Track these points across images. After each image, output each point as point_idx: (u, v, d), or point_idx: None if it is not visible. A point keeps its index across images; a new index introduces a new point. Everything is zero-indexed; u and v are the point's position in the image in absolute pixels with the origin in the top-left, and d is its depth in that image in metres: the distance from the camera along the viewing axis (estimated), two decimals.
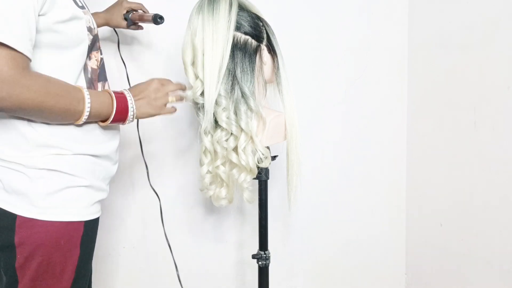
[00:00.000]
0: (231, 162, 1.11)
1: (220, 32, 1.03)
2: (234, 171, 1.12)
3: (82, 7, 0.89)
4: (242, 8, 1.09)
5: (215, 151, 1.11)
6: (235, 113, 1.07)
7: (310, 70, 1.64)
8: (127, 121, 0.92)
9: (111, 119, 0.89)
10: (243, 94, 1.06)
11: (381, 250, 1.77)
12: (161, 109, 0.98)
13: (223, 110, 1.07)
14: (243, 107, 1.07)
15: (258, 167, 1.11)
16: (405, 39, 1.72)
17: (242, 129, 1.08)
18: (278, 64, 1.12)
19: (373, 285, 1.78)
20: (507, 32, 1.29)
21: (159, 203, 1.27)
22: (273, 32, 1.12)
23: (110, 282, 1.53)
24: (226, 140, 1.09)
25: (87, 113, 0.84)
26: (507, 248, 1.33)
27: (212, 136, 1.11)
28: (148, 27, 1.32)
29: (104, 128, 0.92)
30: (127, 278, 1.53)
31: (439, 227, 1.59)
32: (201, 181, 1.17)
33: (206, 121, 1.08)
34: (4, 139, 0.83)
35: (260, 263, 1.22)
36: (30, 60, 0.77)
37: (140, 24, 1.28)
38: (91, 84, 0.91)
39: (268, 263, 1.22)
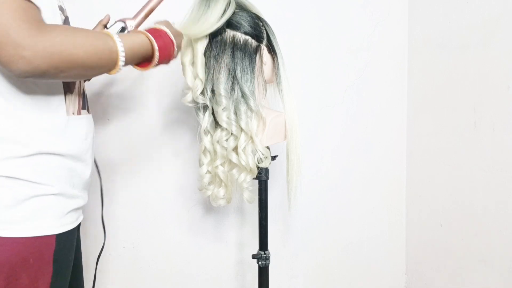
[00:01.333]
0: (230, 162, 1.11)
1: (210, 20, 1.02)
2: (234, 171, 1.12)
3: None
4: (242, 8, 1.09)
5: (214, 151, 1.12)
6: (235, 113, 1.08)
7: (310, 70, 1.64)
8: (173, 57, 0.87)
9: (156, 57, 0.81)
10: (243, 94, 1.06)
11: (381, 250, 1.77)
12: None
13: (223, 110, 1.07)
14: (243, 107, 1.07)
15: (258, 167, 1.11)
16: (405, 39, 1.72)
17: (242, 129, 1.08)
18: (278, 64, 1.12)
19: (373, 285, 1.78)
20: (507, 32, 1.29)
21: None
22: (273, 32, 1.13)
23: (110, 282, 1.53)
24: (226, 140, 1.10)
25: (122, 53, 0.74)
26: (507, 248, 1.33)
27: (212, 136, 1.11)
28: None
29: (76, 121, 0.82)
30: (127, 278, 1.53)
31: (439, 227, 1.59)
32: (200, 181, 1.17)
33: (206, 121, 1.10)
34: None
35: (260, 263, 1.22)
36: (40, 10, 0.68)
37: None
38: None
39: (268, 263, 1.22)
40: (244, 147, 1.09)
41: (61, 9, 0.81)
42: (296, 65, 1.59)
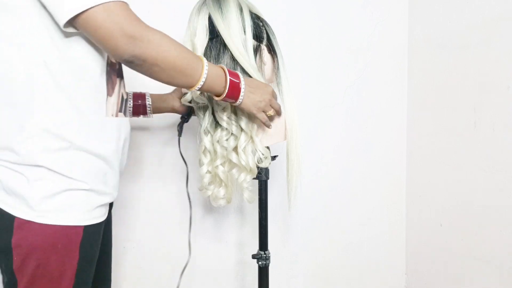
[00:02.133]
0: (230, 162, 1.11)
1: (236, 36, 1.05)
2: (234, 171, 1.12)
3: None
4: (242, 8, 1.09)
5: (214, 151, 1.12)
6: (235, 113, 1.08)
7: (310, 70, 1.64)
8: (238, 101, 0.97)
9: (225, 94, 0.93)
10: None
11: (381, 250, 1.77)
12: (259, 112, 1.02)
13: (223, 110, 1.07)
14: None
15: (258, 167, 1.11)
16: (405, 39, 1.72)
17: (242, 129, 1.08)
18: (278, 64, 1.12)
19: (373, 285, 1.78)
20: (507, 32, 1.29)
21: (189, 211, 1.29)
22: (273, 32, 1.13)
23: (111, 282, 1.53)
24: (226, 140, 1.10)
25: (204, 78, 0.87)
26: (507, 248, 1.33)
27: (212, 136, 1.11)
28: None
29: (113, 122, 0.90)
30: (128, 277, 1.53)
31: (439, 227, 1.59)
32: (200, 180, 1.17)
33: (206, 121, 1.10)
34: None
35: (260, 263, 1.22)
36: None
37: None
38: (109, 77, 0.90)
39: (268, 263, 1.22)
40: (244, 147, 1.09)
41: None
42: (296, 65, 1.59)
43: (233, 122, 1.08)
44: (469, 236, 1.47)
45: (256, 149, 1.10)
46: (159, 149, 1.52)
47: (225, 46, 1.05)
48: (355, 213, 1.73)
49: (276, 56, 1.12)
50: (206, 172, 1.15)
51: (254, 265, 1.26)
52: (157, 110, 1.24)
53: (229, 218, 1.60)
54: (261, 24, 1.10)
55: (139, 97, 1.21)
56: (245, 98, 0.97)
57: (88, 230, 0.86)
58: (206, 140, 1.11)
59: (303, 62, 1.62)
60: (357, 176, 1.72)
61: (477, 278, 1.44)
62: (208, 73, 0.88)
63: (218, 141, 1.10)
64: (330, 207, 1.71)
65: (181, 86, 0.91)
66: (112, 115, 0.90)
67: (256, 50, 1.09)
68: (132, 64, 0.80)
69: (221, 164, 1.12)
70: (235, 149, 1.09)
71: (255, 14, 1.10)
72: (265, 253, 1.22)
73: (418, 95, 1.68)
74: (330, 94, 1.67)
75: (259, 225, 1.22)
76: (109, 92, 0.89)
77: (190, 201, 1.29)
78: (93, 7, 0.73)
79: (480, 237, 1.42)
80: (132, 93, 1.20)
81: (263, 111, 1.03)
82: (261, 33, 1.09)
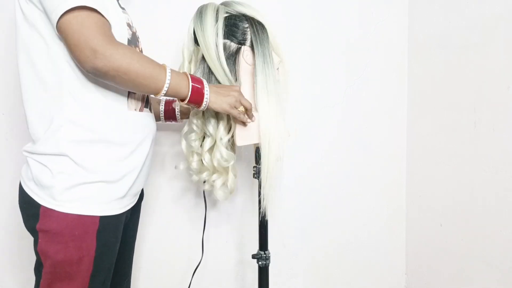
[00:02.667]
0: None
1: (209, 40, 1.08)
2: (206, 173, 1.19)
3: (123, 8, 1.00)
4: (227, 11, 1.12)
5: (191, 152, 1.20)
6: (206, 117, 1.13)
7: (310, 70, 1.64)
8: (203, 105, 1.01)
9: (187, 99, 0.98)
10: None
11: (381, 250, 1.77)
12: (232, 108, 1.06)
13: (195, 113, 1.14)
14: (211, 112, 1.11)
15: (227, 168, 1.16)
16: (405, 39, 1.72)
17: (210, 133, 1.13)
18: (256, 65, 1.09)
19: (373, 285, 1.78)
20: (507, 32, 1.29)
21: (204, 209, 1.33)
22: (262, 31, 1.11)
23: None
24: (194, 141, 1.17)
25: (167, 85, 0.93)
26: (507, 248, 1.33)
27: (185, 138, 1.20)
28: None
29: (136, 116, 0.99)
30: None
31: (439, 227, 1.59)
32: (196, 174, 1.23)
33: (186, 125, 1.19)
34: (31, 119, 0.92)
35: (260, 263, 1.22)
36: (111, 26, 0.88)
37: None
38: None
39: (268, 263, 1.22)
40: (208, 149, 1.15)
41: (129, 25, 0.98)
42: (296, 65, 1.59)
43: (200, 125, 1.14)
44: (469, 236, 1.47)
45: (219, 152, 1.13)
46: (156, 149, 1.52)
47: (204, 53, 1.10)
48: (355, 213, 1.73)
49: (255, 57, 1.10)
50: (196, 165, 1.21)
51: (254, 265, 1.26)
52: (185, 116, 1.31)
53: (229, 218, 1.60)
54: (245, 26, 1.10)
55: (169, 103, 1.31)
56: (211, 100, 1.02)
57: (105, 220, 0.93)
58: (183, 143, 1.20)
59: (303, 62, 1.62)
60: (357, 176, 1.72)
61: (477, 278, 1.44)
62: (171, 81, 0.94)
63: (188, 143, 1.18)
64: (330, 207, 1.71)
65: (147, 93, 0.97)
66: (136, 110, 0.99)
67: (236, 52, 1.10)
68: (94, 75, 0.86)
69: (197, 161, 1.20)
70: (203, 150, 1.16)
71: (241, 15, 1.10)
72: (265, 253, 1.22)
73: (418, 95, 1.68)
74: (330, 94, 1.67)
75: (259, 225, 1.22)
76: (130, 92, 0.97)
77: (205, 201, 1.34)
78: (66, 12, 0.81)
79: (480, 237, 1.42)
80: (165, 99, 1.30)
81: (235, 107, 1.07)
82: (243, 35, 1.10)
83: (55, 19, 0.83)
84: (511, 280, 1.32)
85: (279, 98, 1.10)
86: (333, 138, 1.68)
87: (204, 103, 1.01)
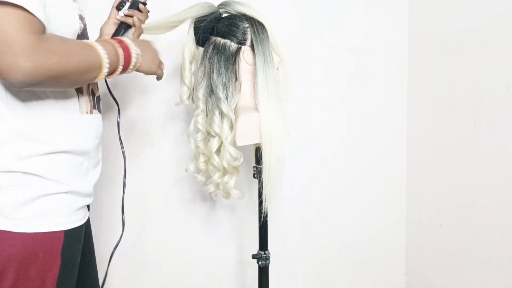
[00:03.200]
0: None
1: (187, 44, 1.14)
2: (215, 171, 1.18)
3: None
4: (226, 10, 1.13)
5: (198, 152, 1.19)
6: (209, 117, 1.12)
7: (310, 70, 1.64)
8: (128, 70, 0.88)
9: (119, 69, 0.84)
10: (217, 99, 1.10)
11: (381, 250, 1.77)
12: (158, 68, 0.98)
13: (198, 114, 1.14)
14: (216, 111, 1.11)
15: (236, 168, 1.15)
16: (405, 39, 1.72)
17: (215, 133, 1.12)
18: (256, 65, 1.09)
19: (373, 285, 1.78)
20: (507, 32, 1.29)
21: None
22: (262, 30, 1.11)
23: (110, 282, 1.53)
24: (201, 141, 1.16)
25: (107, 64, 0.79)
26: (507, 248, 1.33)
27: (193, 138, 1.18)
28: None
29: (88, 120, 0.87)
30: (127, 278, 1.53)
31: (439, 227, 1.59)
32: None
33: (191, 123, 1.17)
34: None
35: (260, 263, 1.22)
36: (44, 26, 0.71)
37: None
38: None
39: (268, 263, 1.22)
40: (216, 149, 1.13)
41: (81, 17, 0.86)
42: (296, 65, 1.59)
43: (206, 125, 1.13)
44: (469, 236, 1.47)
45: (226, 151, 1.12)
46: (157, 150, 1.52)
47: (207, 50, 1.13)
48: (355, 213, 1.73)
49: (255, 57, 1.10)
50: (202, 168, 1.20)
51: (254, 265, 1.26)
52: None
53: (229, 218, 1.60)
54: (245, 25, 1.11)
55: None
56: (139, 60, 0.89)
57: (70, 234, 0.82)
58: (192, 142, 1.19)
59: (303, 62, 1.62)
60: (357, 176, 1.72)
61: (477, 278, 1.44)
62: (109, 60, 0.80)
63: (196, 143, 1.17)
64: (330, 207, 1.71)
65: (86, 82, 0.84)
66: (87, 113, 0.87)
67: (236, 52, 1.11)
68: (24, 87, 0.69)
69: (204, 161, 1.18)
70: (211, 151, 1.14)
71: (241, 14, 1.11)
72: (265, 253, 1.22)
73: (418, 95, 1.68)
74: (330, 94, 1.67)
75: (259, 225, 1.22)
76: (78, 91, 0.86)
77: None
78: None
79: (480, 237, 1.42)
80: None
81: (160, 67, 0.99)
82: (244, 35, 1.11)
83: None
84: (511, 280, 1.32)
85: (279, 98, 1.10)
86: (333, 138, 1.68)
87: (132, 62, 0.87)
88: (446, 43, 1.52)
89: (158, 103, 1.49)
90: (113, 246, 1.06)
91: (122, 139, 1.06)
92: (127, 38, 0.90)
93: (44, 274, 0.79)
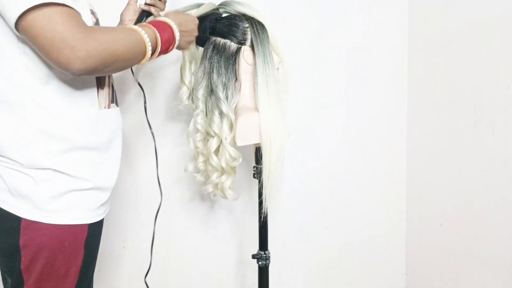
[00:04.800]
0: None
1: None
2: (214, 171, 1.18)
3: None
4: (226, 10, 1.13)
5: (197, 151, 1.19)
6: (209, 117, 1.12)
7: (310, 70, 1.64)
8: (168, 51, 0.94)
9: (158, 50, 0.88)
10: (217, 99, 1.10)
11: (381, 250, 1.77)
12: (190, 46, 1.04)
13: (197, 114, 1.13)
14: (216, 111, 1.11)
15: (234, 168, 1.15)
16: (405, 39, 1.72)
17: (215, 133, 1.12)
18: (256, 65, 1.09)
19: (373, 285, 1.78)
20: (507, 32, 1.29)
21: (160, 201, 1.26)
22: (262, 31, 1.11)
23: (110, 282, 1.53)
24: (200, 141, 1.16)
25: (150, 46, 0.85)
26: (507, 248, 1.33)
27: (192, 138, 1.19)
28: None
29: (106, 115, 0.91)
30: (127, 278, 1.53)
31: (439, 227, 1.59)
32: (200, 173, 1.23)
33: (191, 123, 1.17)
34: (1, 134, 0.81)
35: (260, 263, 1.22)
36: (80, 15, 0.77)
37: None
38: None
39: (268, 263, 1.22)
40: (215, 149, 1.13)
41: (92, 12, 0.90)
42: (296, 65, 1.59)
43: (205, 125, 1.14)
44: (469, 236, 1.47)
45: (226, 151, 1.12)
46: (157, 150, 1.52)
47: (207, 50, 1.13)
48: (355, 213, 1.73)
49: (255, 57, 1.10)
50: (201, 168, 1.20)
51: (254, 265, 1.26)
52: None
53: (229, 218, 1.60)
54: (245, 25, 1.11)
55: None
56: (180, 42, 0.96)
57: (93, 227, 0.89)
58: (191, 142, 1.19)
59: (303, 62, 1.62)
60: (357, 176, 1.72)
61: (477, 278, 1.44)
62: (151, 42, 0.85)
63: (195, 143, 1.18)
64: (330, 207, 1.71)
65: (133, 65, 0.89)
66: (105, 108, 0.91)
67: (236, 53, 1.11)
68: (82, 74, 0.76)
69: (203, 162, 1.19)
70: (210, 150, 1.14)
71: (241, 14, 1.11)
72: (265, 253, 1.22)
73: (418, 95, 1.68)
74: (330, 94, 1.67)
75: (259, 225, 1.22)
76: (100, 85, 0.89)
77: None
78: (26, 11, 0.70)
79: (480, 237, 1.42)
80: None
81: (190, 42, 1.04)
82: (244, 35, 1.11)
83: (13, 16, 0.71)
84: (511, 280, 1.32)
85: (279, 98, 1.10)
86: (333, 138, 1.68)
87: (176, 42, 0.94)
88: (446, 43, 1.52)
89: (158, 103, 1.49)
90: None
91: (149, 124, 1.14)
92: (173, 22, 0.94)
93: (69, 263, 0.86)
